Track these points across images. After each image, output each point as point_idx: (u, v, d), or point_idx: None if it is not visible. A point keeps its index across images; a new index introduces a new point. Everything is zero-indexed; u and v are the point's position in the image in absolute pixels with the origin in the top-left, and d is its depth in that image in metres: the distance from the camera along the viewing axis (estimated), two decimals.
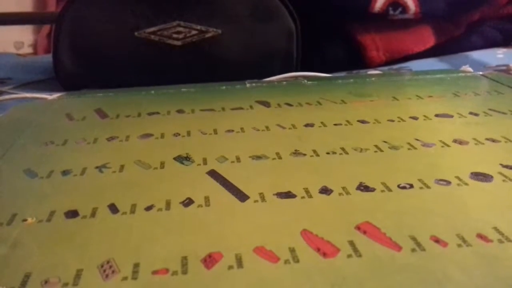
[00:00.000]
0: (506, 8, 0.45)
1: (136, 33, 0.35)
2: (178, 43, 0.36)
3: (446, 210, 0.16)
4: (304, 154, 0.20)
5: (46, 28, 0.91)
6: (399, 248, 0.14)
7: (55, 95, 0.32)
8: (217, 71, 0.36)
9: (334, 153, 0.20)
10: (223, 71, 0.36)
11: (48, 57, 0.38)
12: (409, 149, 0.21)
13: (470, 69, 0.34)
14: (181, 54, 0.36)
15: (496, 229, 0.14)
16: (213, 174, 0.19)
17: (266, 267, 0.13)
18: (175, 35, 0.35)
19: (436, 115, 0.25)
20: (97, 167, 0.20)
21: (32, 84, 0.37)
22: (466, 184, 0.17)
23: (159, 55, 0.36)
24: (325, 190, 0.17)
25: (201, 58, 0.36)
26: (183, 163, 0.20)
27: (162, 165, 0.20)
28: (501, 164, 0.19)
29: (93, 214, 0.16)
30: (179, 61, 0.36)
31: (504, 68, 0.38)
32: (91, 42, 0.36)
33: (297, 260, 0.13)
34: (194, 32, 0.36)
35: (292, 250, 0.14)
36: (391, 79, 0.34)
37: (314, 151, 0.21)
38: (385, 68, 0.40)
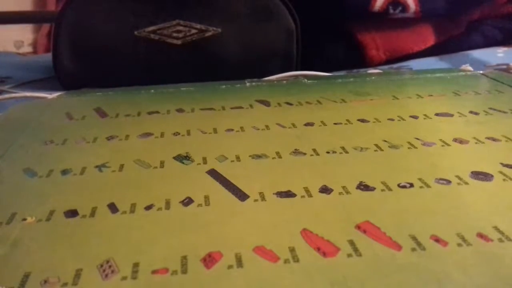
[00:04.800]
0: (506, 7, 0.45)
1: (136, 32, 0.35)
2: (178, 42, 0.35)
3: (446, 210, 0.16)
4: (304, 153, 0.20)
5: (46, 27, 0.90)
6: (399, 247, 0.14)
7: (55, 94, 0.32)
8: (217, 70, 0.36)
9: (334, 152, 0.20)
10: (223, 70, 0.36)
11: (48, 56, 0.37)
12: (409, 148, 0.21)
13: (470, 68, 0.34)
14: (181, 53, 0.36)
15: (496, 228, 0.14)
16: (213, 173, 0.19)
17: (266, 267, 0.13)
18: (175, 34, 0.35)
19: (436, 114, 0.25)
20: (96, 167, 0.20)
21: (31, 83, 0.37)
22: (467, 183, 0.17)
23: (159, 54, 0.35)
24: (325, 190, 0.17)
25: (201, 57, 0.36)
26: (183, 162, 0.20)
27: (162, 164, 0.20)
28: (501, 163, 0.19)
29: (92, 214, 0.16)
30: (179, 60, 0.36)
31: (504, 67, 0.37)
32: (91, 41, 0.36)
33: (297, 260, 0.13)
34: (194, 31, 0.36)
35: (292, 250, 0.14)
36: (391, 78, 0.34)
37: (314, 150, 0.21)
38: (385, 67, 0.40)
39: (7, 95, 0.32)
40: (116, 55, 0.35)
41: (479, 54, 0.41)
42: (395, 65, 0.41)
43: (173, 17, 0.35)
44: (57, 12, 0.37)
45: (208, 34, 0.36)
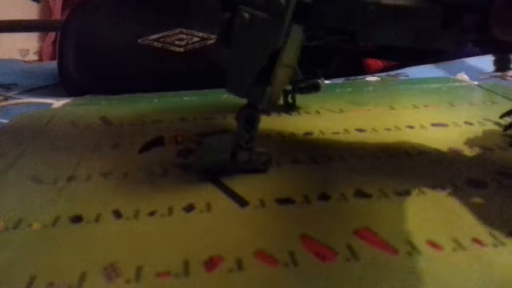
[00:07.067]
0: None
1: (139, 40, 0.36)
2: (181, 50, 0.36)
3: (442, 216, 0.16)
4: (303, 162, 0.21)
5: (51, 36, 0.91)
6: (396, 252, 0.14)
7: (60, 102, 0.32)
8: (218, 78, 0.37)
9: (332, 160, 0.21)
10: (225, 78, 0.37)
11: (53, 64, 0.38)
12: (405, 157, 0.21)
13: (466, 77, 0.35)
14: (184, 61, 0.36)
15: (491, 233, 0.15)
16: (214, 180, 0.19)
17: (265, 271, 0.13)
18: (177, 42, 0.36)
19: (432, 124, 0.25)
20: (101, 174, 0.20)
21: (37, 90, 0.38)
22: (461, 190, 0.18)
23: (162, 61, 0.36)
24: (324, 197, 0.17)
25: (203, 65, 0.36)
26: (185, 170, 0.20)
27: (165, 172, 0.20)
28: (496, 172, 0.19)
29: (97, 219, 0.16)
30: (182, 67, 0.36)
31: (499, 74, 0.38)
32: (95, 48, 0.36)
33: (296, 264, 0.14)
34: (196, 39, 0.36)
35: (291, 254, 0.14)
36: (388, 89, 0.34)
37: (313, 159, 0.21)
38: (383, 74, 0.41)
39: (12, 101, 0.33)
40: (120, 62, 0.36)
41: (474, 61, 0.42)
42: (392, 72, 0.41)
43: (176, 25, 0.36)
44: (62, 21, 0.38)
45: (210, 42, 0.36)
